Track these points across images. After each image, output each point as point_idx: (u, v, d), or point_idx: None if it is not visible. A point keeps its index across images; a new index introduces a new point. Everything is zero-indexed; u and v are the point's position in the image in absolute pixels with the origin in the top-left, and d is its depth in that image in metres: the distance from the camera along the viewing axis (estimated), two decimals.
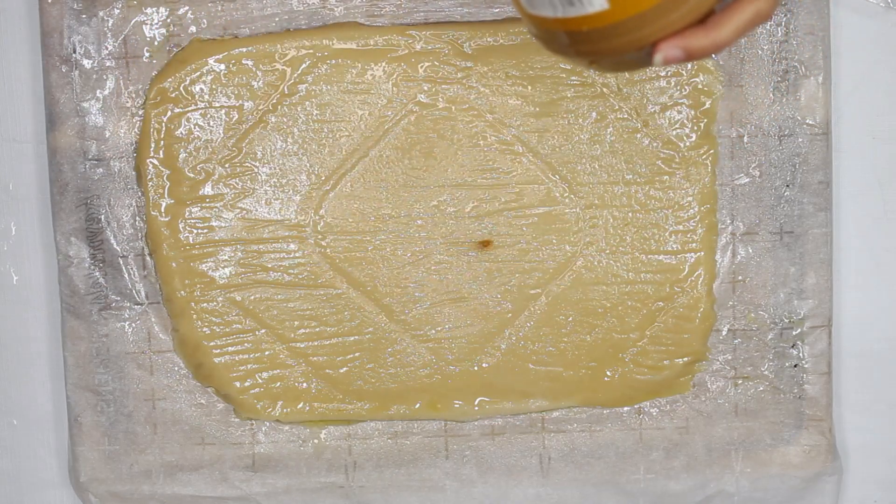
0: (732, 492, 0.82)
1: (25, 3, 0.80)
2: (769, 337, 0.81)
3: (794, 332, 0.81)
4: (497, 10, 0.79)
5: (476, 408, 0.81)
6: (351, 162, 0.79)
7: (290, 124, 0.79)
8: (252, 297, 0.80)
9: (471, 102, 0.79)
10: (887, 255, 0.83)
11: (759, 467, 0.82)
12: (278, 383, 0.81)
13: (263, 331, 0.80)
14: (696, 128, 0.79)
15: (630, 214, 0.80)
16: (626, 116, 0.79)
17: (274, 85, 0.79)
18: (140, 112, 0.79)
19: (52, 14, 0.78)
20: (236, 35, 0.78)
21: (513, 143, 0.79)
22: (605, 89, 0.79)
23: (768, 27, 0.78)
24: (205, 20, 0.78)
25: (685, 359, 0.81)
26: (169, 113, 0.78)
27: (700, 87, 0.79)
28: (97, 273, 0.80)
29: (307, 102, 0.79)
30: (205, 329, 0.80)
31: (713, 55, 0.59)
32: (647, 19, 0.54)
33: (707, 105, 0.79)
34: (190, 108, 0.78)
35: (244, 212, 0.79)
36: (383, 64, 0.79)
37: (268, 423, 0.82)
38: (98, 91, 0.78)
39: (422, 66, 0.79)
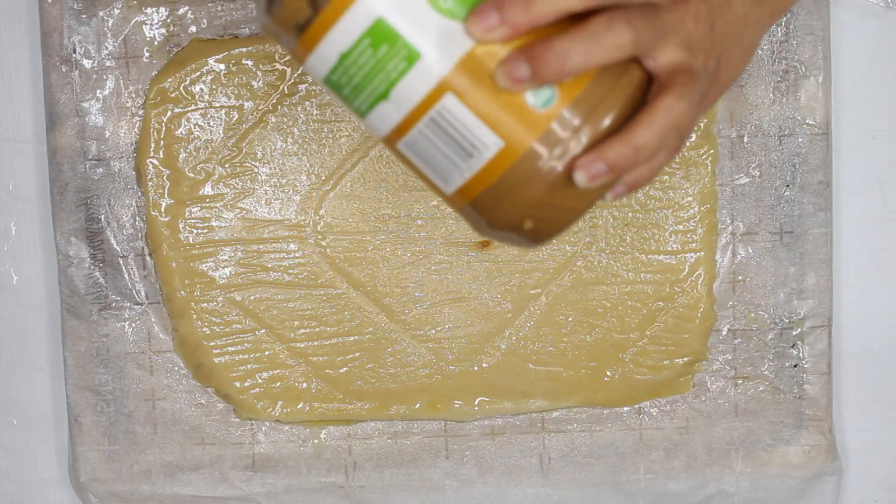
0: (732, 492, 0.82)
1: (25, 3, 0.80)
2: (769, 337, 0.81)
3: (794, 332, 0.81)
4: None
5: (476, 408, 0.81)
6: (351, 162, 0.79)
7: (290, 124, 0.79)
8: (252, 297, 0.80)
9: None
10: (887, 255, 0.83)
11: (759, 467, 0.82)
12: (278, 383, 0.81)
13: (263, 331, 0.80)
14: (696, 128, 0.79)
15: (630, 214, 0.80)
16: None
17: (274, 85, 0.79)
18: (140, 112, 0.79)
19: (52, 14, 0.78)
20: (236, 35, 0.78)
21: None
22: None
23: None
24: (205, 20, 0.78)
25: (685, 359, 0.81)
26: (169, 113, 0.78)
27: None
28: (97, 273, 0.80)
29: (307, 102, 0.79)
30: (205, 329, 0.80)
31: (647, 177, 0.54)
32: (550, 136, 0.52)
33: None
34: (190, 108, 0.78)
35: (244, 212, 0.79)
36: None
37: (268, 423, 0.82)
38: (98, 91, 0.78)
39: None
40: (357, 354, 0.81)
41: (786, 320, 0.81)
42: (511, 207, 0.54)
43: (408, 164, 0.55)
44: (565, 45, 0.50)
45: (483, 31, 0.51)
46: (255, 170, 0.79)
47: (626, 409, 0.82)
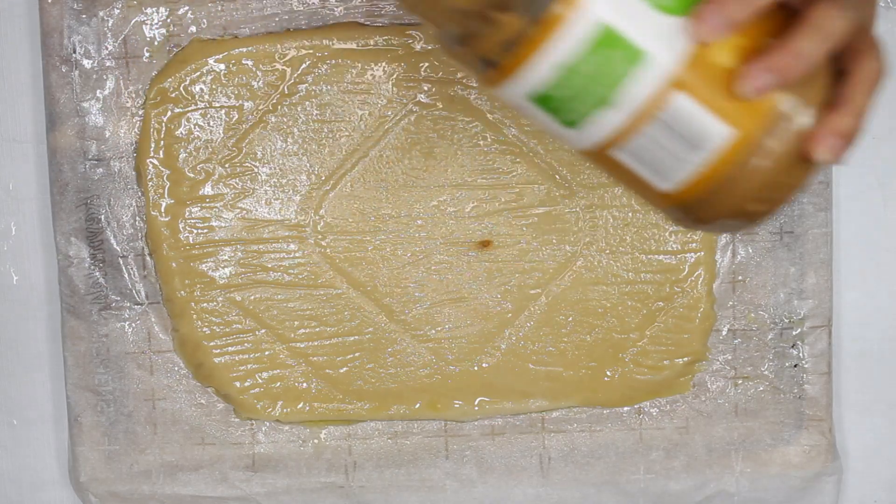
0: (732, 492, 0.82)
1: (25, 3, 0.80)
2: (769, 337, 0.81)
3: (794, 332, 0.81)
4: None
5: (476, 408, 0.81)
6: (351, 162, 0.79)
7: (290, 124, 0.79)
8: (252, 297, 0.80)
9: (470, 102, 0.79)
10: (887, 255, 0.83)
11: (759, 467, 0.82)
12: (278, 383, 0.81)
13: (263, 331, 0.80)
14: None
15: (630, 214, 0.80)
16: None
17: (274, 85, 0.79)
18: (140, 112, 0.79)
19: (52, 14, 0.78)
20: (236, 35, 0.78)
21: (513, 143, 0.79)
22: None
23: None
24: (205, 20, 0.78)
25: (685, 359, 0.81)
26: (169, 113, 0.78)
27: None
28: (97, 273, 0.80)
29: (307, 102, 0.79)
30: (205, 329, 0.80)
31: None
32: (780, 119, 0.52)
33: None
34: (190, 108, 0.78)
35: (244, 212, 0.79)
36: (383, 64, 0.79)
37: (268, 423, 0.82)
38: (98, 91, 0.78)
39: (422, 66, 0.79)
40: (357, 354, 0.81)
41: (786, 320, 0.81)
42: (742, 191, 0.54)
43: (616, 170, 0.55)
44: (800, 45, 0.52)
45: (709, 32, 0.51)
46: (255, 170, 0.79)
47: (626, 409, 0.82)
